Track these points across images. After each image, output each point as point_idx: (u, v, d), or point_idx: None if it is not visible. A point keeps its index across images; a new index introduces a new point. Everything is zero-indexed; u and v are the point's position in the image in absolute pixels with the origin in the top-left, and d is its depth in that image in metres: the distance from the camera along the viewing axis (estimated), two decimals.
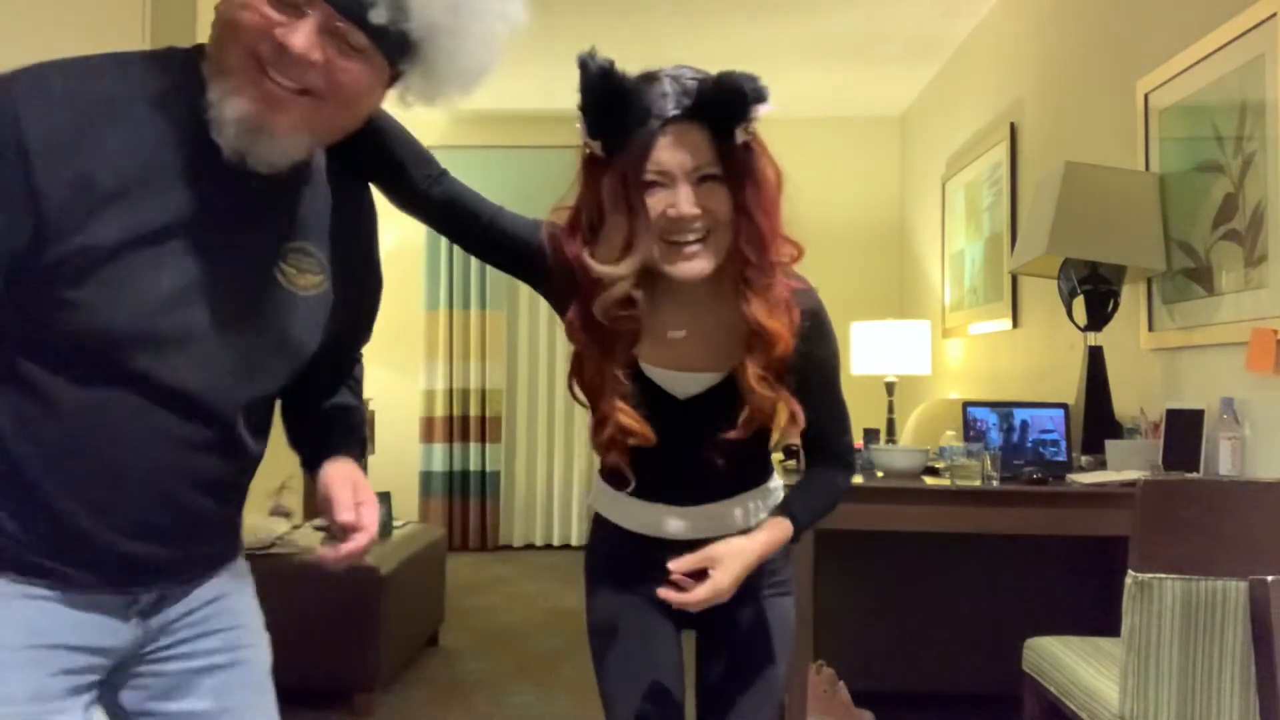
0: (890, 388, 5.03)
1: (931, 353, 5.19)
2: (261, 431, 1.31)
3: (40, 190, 1.07)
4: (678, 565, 1.42)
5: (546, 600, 5.18)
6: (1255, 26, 2.55)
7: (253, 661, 1.35)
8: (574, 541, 6.63)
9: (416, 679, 3.80)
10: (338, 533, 1.29)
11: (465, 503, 6.62)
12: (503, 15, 1.24)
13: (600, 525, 1.67)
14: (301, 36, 1.11)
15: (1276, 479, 2.25)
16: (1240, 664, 1.95)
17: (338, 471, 1.33)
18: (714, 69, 1.44)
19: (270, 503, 3.44)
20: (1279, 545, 1.93)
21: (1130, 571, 1.99)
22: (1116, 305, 3.04)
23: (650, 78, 1.41)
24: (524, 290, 6.74)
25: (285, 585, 3.20)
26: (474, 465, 6.61)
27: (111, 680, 1.25)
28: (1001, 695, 2.93)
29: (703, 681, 1.64)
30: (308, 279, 1.27)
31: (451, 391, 6.63)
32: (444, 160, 1.52)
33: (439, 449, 6.60)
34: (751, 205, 1.43)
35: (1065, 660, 2.33)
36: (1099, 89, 3.53)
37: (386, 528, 3.90)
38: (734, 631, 1.60)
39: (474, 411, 6.63)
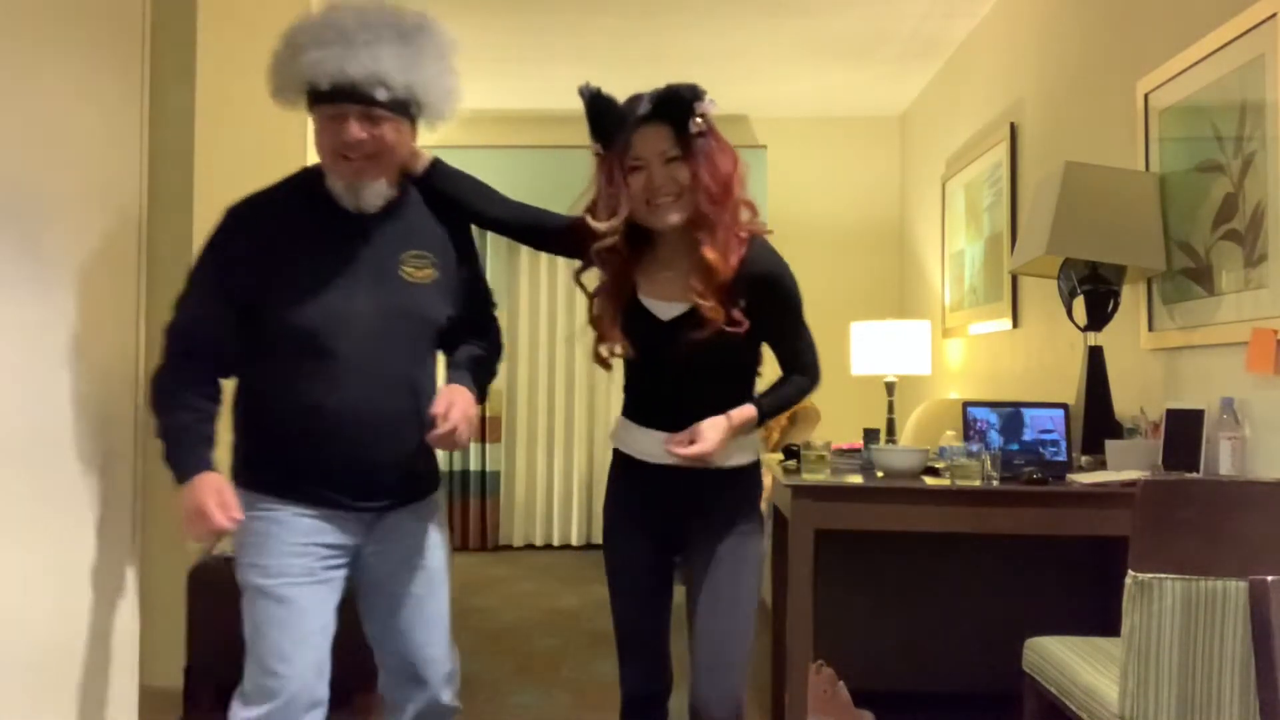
0: (890, 388, 5.03)
1: (931, 353, 5.19)
2: (420, 375, 2.03)
3: (247, 271, 1.96)
4: (671, 441, 1.99)
5: (546, 600, 5.18)
6: (1255, 26, 2.56)
7: (427, 566, 2.09)
8: (574, 541, 6.64)
9: None
10: (433, 424, 1.96)
11: (465, 503, 6.62)
12: (443, 53, 1.99)
13: (616, 457, 2.19)
14: (353, 130, 1.91)
15: (1276, 479, 2.25)
16: (1240, 664, 1.95)
17: (445, 387, 2.03)
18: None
19: None
20: (1279, 545, 1.93)
21: (1130, 571, 1.99)
22: (1116, 305, 3.04)
23: (634, 97, 2.00)
24: (524, 291, 6.75)
25: None
26: (474, 465, 6.62)
27: (360, 559, 2.04)
28: (1001, 695, 2.93)
29: (690, 598, 2.10)
30: (425, 272, 2.03)
31: None
32: (445, 159, 2.15)
33: None
34: (704, 175, 1.99)
35: (1065, 660, 2.33)
36: (1099, 89, 3.53)
37: None
38: (709, 558, 2.07)
39: None
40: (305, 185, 2.03)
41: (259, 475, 1.98)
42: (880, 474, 2.84)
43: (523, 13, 4.89)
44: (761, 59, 5.52)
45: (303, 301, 1.93)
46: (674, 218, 2.01)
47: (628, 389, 2.17)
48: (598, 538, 6.68)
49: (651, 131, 1.98)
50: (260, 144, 3.75)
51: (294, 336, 1.93)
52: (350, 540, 2.02)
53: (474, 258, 2.18)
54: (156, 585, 3.09)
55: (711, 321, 1.97)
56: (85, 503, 2.56)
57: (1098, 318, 3.03)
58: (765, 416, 2.07)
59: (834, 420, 5.41)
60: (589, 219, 2.04)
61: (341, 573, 2.02)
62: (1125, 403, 3.07)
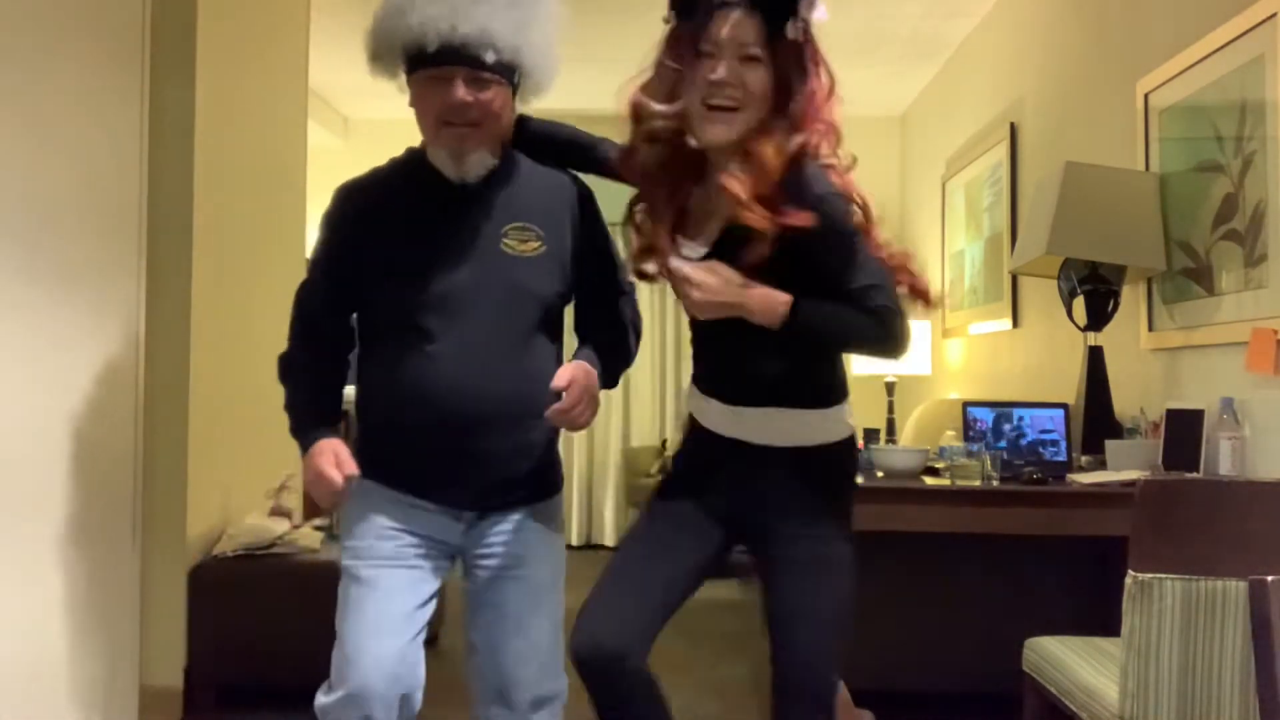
0: (890, 388, 5.04)
1: (931, 353, 5.20)
2: (528, 360, 1.90)
3: (350, 250, 1.95)
4: (680, 264, 1.69)
5: None
6: (1255, 26, 2.56)
7: (532, 577, 1.95)
8: (574, 541, 6.63)
9: None
10: (553, 400, 1.84)
11: None
12: (552, 21, 1.92)
13: (689, 424, 1.91)
14: (459, 91, 1.82)
15: (1276, 479, 2.25)
16: (1240, 664, 1.95)
17: (568, 363, 1.91)
18: None
19: (270, 503, 3.44)
20: (1279, 545, 1.93)
21: (1130, 571, 1.99)
22: (1116, 305, 3.04)
23: None
24: None
25: (285, 585, 3.19)
26: None
27: (464, 563, 1.98)
28: (1001, 695, 2.93)
29: (766, 608, 1.85)
30: (530, 245, 1.92)
31: None
32: None
33: None
34: (796, 87, 1.67)
35: (1065, 660, 2.33)
36: (1099, 89, 3.53)
37: None
38: (777, 563, 1.81)
39: None
40: (409, 162, 1.99)
41: (366, 458, 1.92)
42: (880, 474, 2.85)
43: None
44: None
45: (402, 280, 1.88)
46: (720, 131, 1.68)
47: (693, 350, 1.92)
48: (598, 538, 6.68)
49: (739, 19, 1.65)
50: (260, 144, 3.75)
51: (395, 316, 1.89)
52: (445, 537, 1.93)
53: (598, 231, 2.03)
54: (156, 585, 3.10)
55: (758, 238, 1.61)
56: (85, 503, 2.56)
57: (1098, 318, 3.03)
58: (796, 319, 1.66)
59: None
60: (641, 98, 1.74)
61: (433, 563, 1.93)
62: (1125, 403, 3.07)
